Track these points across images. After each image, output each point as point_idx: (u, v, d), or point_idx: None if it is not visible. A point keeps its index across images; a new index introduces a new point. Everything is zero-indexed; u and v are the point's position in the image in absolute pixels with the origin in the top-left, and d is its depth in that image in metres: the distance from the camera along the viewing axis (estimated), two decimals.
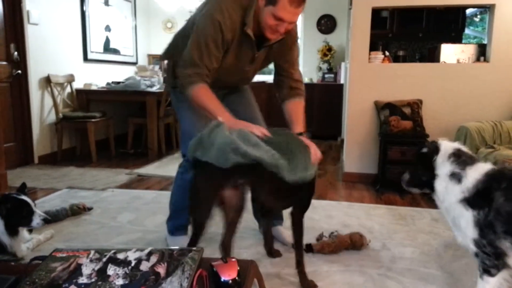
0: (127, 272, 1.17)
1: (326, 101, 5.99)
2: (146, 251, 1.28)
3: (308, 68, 6.38)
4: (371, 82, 3.58)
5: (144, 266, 1.19)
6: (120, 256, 1.25)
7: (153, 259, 1.23)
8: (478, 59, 3.87)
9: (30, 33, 4.10)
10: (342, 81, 5.84)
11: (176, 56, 1.94)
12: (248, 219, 2.34)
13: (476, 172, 1.51)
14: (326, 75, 6.19)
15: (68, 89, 4.67)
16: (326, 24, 6.37)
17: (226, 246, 1.80)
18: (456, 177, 1.53)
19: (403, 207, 2.97)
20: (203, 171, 1.57)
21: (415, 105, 3.40)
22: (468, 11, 5.98)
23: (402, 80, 3.54)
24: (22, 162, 4.13)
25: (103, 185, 3.44)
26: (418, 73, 3.52)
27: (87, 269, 1.19)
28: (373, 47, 3.70)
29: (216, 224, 2.47)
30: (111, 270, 1.18)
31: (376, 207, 2.99)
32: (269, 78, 4.93)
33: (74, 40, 4.82)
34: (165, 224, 2.29)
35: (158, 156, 4.64)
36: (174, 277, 1.14)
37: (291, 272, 1.95)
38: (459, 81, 3.46)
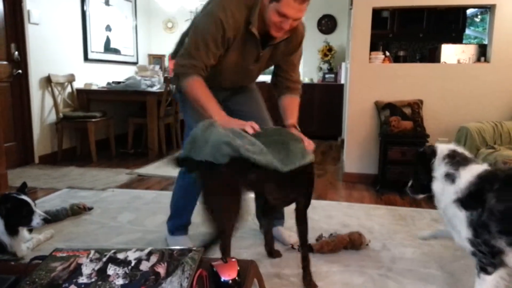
0: (127, 272, 1.17)
1: (326, 101, 5.99)
2: (146, 251, 1.28)
3: (309, 68, 6.39)
4: (372, 82, 3.58)
5: (144, 266, 1.19)
6: (120, 256, 1.25)
7: (153, 259, 1.23)
8: (478, 60, 3.86)
9: (31, 32, 4.10)
10: (342, 81, 5.84)
11: None
12: (248, 220, 2.34)
13: (469, 174, 1.54)
14: (327, 75, 6.19)
15: (68, 89, 4.67)
16: (327, 24, 6.37)
17: (225, 248, 1.80)
18: (450, 177, 1.57)
19: (403, 208, 2.97)
20: (213, 173, 1.53)
21: (416, 106, 3.39)
22: (469, 11, 5.98)
23: (403, 80, 3.54)
24: (22, 162, 4.14)
25: (103, 185, 3.44)
26: (418, 74, 3.52)
27: (87, 269, 1.19)
28: (373, 47, 3.70)
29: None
30: (111, 270, 1.18)
31: (376, 208, 2.99)
32: (269, 78, 4.92)
33: (75, 40, 4.82)
34: (165, 224, 2.29)
35: (158, 156, 4.64)
36: (174, 277, 1.14)
37: (291, 272, 1.95)
38: (460, 81, 3.46)
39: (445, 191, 1.59)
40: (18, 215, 1.98)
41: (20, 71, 4.06)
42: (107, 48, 5.47)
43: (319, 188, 3.50)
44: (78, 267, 1.21)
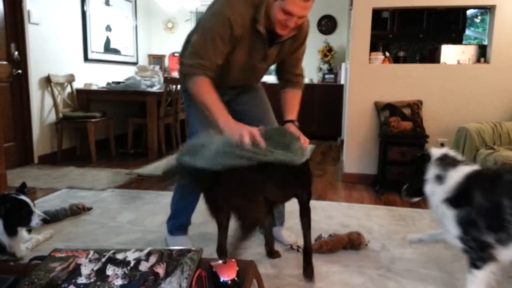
0: (126, 272, 1.17)
1: (326, 101, 5.99)
2: (145, 251, 1.28)
3: (308, 68, 6.38)
4: (371, 82, 3.58)
5: (143, 267, 1.20)
6: (119, 256, 1.25)
7: (152, 259, 1.23)
8: (478, 60, 3.86)
9: (31, 33, 4.10)
10: (342, 82, 5.84)
11: None
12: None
13: (458, 174, 1.62)
14: (327, 76, 6.19)
15: (68, 89, 4.67)
16: (327, 24, 6.37)
17: (222, 249, 1.81)
18: (440, 178, 1.66)
19: (403, 208, 2.97)
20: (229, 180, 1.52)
21: (415, 106, 3.40)
22: (469, 12, 5.98)
23: (402, 81, 3.54)
24: (22, 162, 4.14)
25: (103, 185, 3.44)
26: (418, 74, 3.52)
27: (86, 269, 1.19)
28: (373, 48, 3.70)
29: (214, 224, 2.47)
30: (110, 270, 1.18)
31: (376, 208, 2.98)
32: (269, 79, 4.92)
33: (75, 40, 4.82)
34: (165, 224, 2.29)
35: (158, 156, 4.64)
36: (173, 278, 1.14)
37: (291, 272, 1.95)
38: (460, 82, 3.46)
39: (435, 192, 1.67)
40: (17, 216, 1.98)
41: (20, 71, 4.06)
42: (107, 48, 5.47)
43: (319, 188, 3.50)
44: (77, 267, 1.21)
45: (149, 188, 3.45)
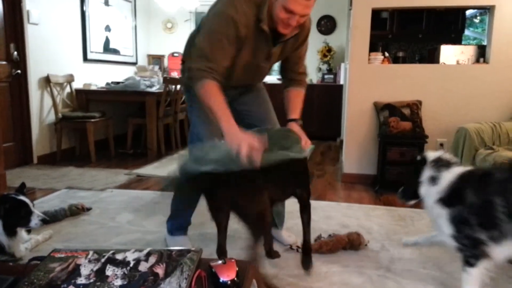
0: (126, 272, 1.17)
1: (325, 101, 5.99)
2: (145, 251, 1.28)
3: (308, 68, 6.35)
4: (371, 83, 3.58)
5: (143, 267, 1.19)
6: (119, 256, 1.25)
7: (152, 259, 1.23)
8: (477, 60, 3.87)
9: (30, 33, 4.10)
10: (341, 82, 5.84)
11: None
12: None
13: (450, 174, 1.68)
14: (326, 76, 6.19)
15: (67, 89, 4.67)
16: (326, 25, 6.37)
17: (222, 250, 1.82)
18: (433, 180, 1.71)
19: (402, 208, 2.97)
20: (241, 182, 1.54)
21: (415, 106, 3.40)
22: (468, 12, 5.98)
23: (402, 81, 3.54)
24: (21, 162, 4.13)
25: (102, 186, 3.44)
26: (417, 74, 3.52)
27: (85, 270, 1.19)
28: (372, 48, 3.70)
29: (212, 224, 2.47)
30: (109, 270, 1.18)
31: (375, 208, 2.99)
32: (269, 79, 4.92)
33: (74, 40, 4.82)
34: (164, 224, 2.29)
35: (157, 157, 4.64)
36: (173, 278, 1.14)
37: (290, 273, 1.95)
38: (459, 82, 3.47)
39: (429, 193, 1.72)
40: (17, 216, 1.98)
41: (19, 71, 4.05)
42: (107, 48, 5.47)
43: (318, 188, 3.50)
44: (77, 268, 1.20)
45: (148, 188, 3.45)
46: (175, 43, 6.71)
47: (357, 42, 3.57)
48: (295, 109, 1.99)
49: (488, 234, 1.56)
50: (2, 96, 3.91)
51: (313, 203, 2.94)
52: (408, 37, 5.88)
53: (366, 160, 3.69)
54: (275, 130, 1.86)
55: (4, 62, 3.92)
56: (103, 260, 1.23)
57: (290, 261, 2.08)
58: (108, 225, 2.59)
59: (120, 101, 5.10)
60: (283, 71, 2.10)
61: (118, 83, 4.93)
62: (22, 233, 2.08)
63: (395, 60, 5.45)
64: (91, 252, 1.28)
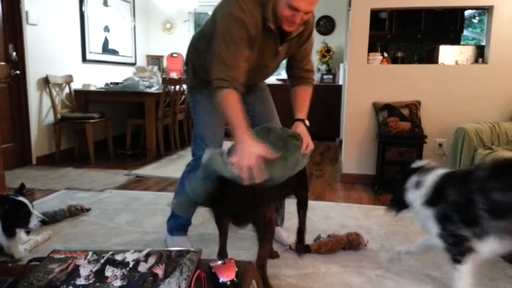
0: (125, 273, 1.17)
1: (324, 102, 5.99)
2: (144, 252, 1.27)
3: None
4: (370, 83, 3.59)
5: (142, 268, 1.19)
6: (118, 257, 1.25)
7: (151, 260, 1.23)
8: (476, 61, 3.87)
9: (29, 33, 4.10)
10: (340, 82, 5.85)
11: (197, 58, 1.98)
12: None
13: (433, 176, 1.77)
14: (325, 76, 6.20)
15: (66, 90, 4.67)
16: (325, 25, 6.37)
17: (223, 252, 1.83)
18: (418, 184, 1.79)
19: None
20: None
21: (414, 106, 3.40)
22: (467, 12, 5.99)
23: (401, 82, 3.54)
24: (20, 163, 4.13)
25: (101, 186, 3.44)
26: (416, 75, 3.53)
27: (85, 271, 1.19)
28: (371, 48, 3.71)
29: (213, 224, 2.47)
30: (109, 271, 1.18)
31: (375, 208, 2.99)
32: (269, 80, 4.92)
33: (73, 41, 4.82)
34: (164, 225, 2.29)
35: (157, 157, 4.64)
36: (172, 279, 1.14)
37: (289, 273, 1.95)
38: (458, 82, 3.47)
39: (416, 197, 1.79)
40: (16, 217, 1.97)
41: (18, 72, 4.05)
42: (105, 49, 5.47)
43: (317, 189, 3.50)
44: (76, 268, 1.20)
45: (148, 189, 3.45)
46: (174, 43, 6.71)
47: (356, 43, 3.58)
48: (302, 108, 1.98)
49: (471, 230, 1.61)
50: (1, 97, 3.91)
51: (312, 203, 2.95)
52: (407, 38, 5.88)
53: (365, 160, 3.69)
54: (277, 133, 1.84)
55: (3, 63, 3.92)
56: (102, 261, 1.23)
57: (289, 261, 2.08)
58: (107, 226, 2.58)
59: (119, 101, 5.10)
60: (289, 69, 2.10)
61: (117, 83, 4.93)
62: (21, 234, 2.08)
63: (394, 60, 5.45)
64: (90, 253, 1.28)
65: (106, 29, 5.47)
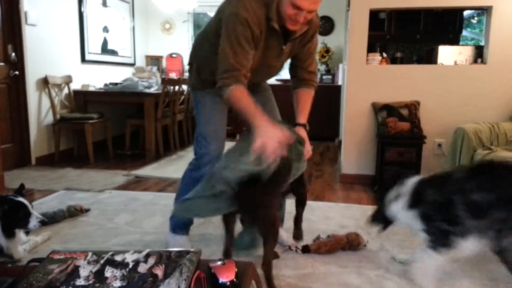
0: (125, 274, 1.17)
1: (323, 102, 5.98)
2: (144, 253, 1.27)
3: None
4: (369, 83, 3.59)
5: (142, 268, 1.19)
6: (118, 258, 1.25)
7: (151, 261, 1.23)
8: (475, 61, 3.87)
9: (28, 34, 4.09)
10: (340, 83, 5.85)
11: (200, 59, 1.98)
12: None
13: (412, 181, 1.84)
14: (324, 77, 6.20)
15: (65, 90, 4.66)
16: (324, 25, 6.37)
17: (228, 252, 1.83)
18: (399, 195, 1.85)
19: None
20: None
21: (413, 107, 3.41)
22: (466, 13, 6.00)
23: (400, 82, 3.55)
24: (19, 163, 4.12)
25: (101, 187, 3.44)
26: (415, 75, 3.53)
27: (84, 271, 1.19)
28: (370, 49, 3.71)
29: (213, 225, 2.48)
30: (108, 272, 1.18)
31: (374, 208, 2.98)
32: (269, 80, 4.92)
33: (72, 41, 4.81)
34: (163, 225, 2.29)
35: (156, 158, 4.63)
36: (172, 279, 1.14)
37: (289, 273, 1.95)
38: (457, 82, 3.47)
39: (398, 207, 1.84)
40: (15, 217, 1.97)
41: (17, 72, 4.05)
42: (105, 49, 5.46)
43: (316, 189, 3.50)
44: (76, 269, 1.20)
45: (147, 189, 3.45)
46: (173, 44, 6.71)
47: (355, 43, 3.58)
48: (303, 112, 2.00)
49: (453, 229, 1.67)
50: (0, 98, 3.90)
51: (312, 203, 2.95)
52: (406, 38, 5.89)
53: (364, 160, 3.69)
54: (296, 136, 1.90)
55: (2, 63, 3.91)
56: (102, 261, 1.23)
57: (289, 261, 2.08)
58: (106, 226, 2.58)
59: (118, 102, 5.09)
60: (292, 70, 2.10)
61: (116, 84, 4.93)
62: (20, 234, 2.08)
63: (393, 60, 5.46)
64: (90, 254, 1.28)
65: (105, 29, 5.46)
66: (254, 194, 1.60)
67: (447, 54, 4.24)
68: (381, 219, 1.98)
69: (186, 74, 6.43)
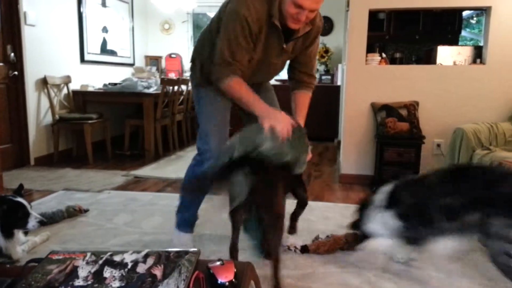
0: (124, 274, 1.17)
1: (323, 102, 5.99)
2: (143, 253, 1.27)
3: None
4: (368, 84, 3.59)
5: (141, 268, 1.19)
6: (117, 258, 1.25)
7: (150, 261, 1.23)
8: (474, 61, 3.88)
9: (27, 34, 4.09)
10: (339, 83, 5.85)
11: (203, 56, 1.99)
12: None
13: (386, 187, 1.89)
14: (323, 77, 6.20)
15: (64, 91, 4.66)
16: (323, 26, 6.34)
17: (234, 248, 1.84)
18: (375, 200, 1.90)
19: None
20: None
21: (412, 107, 3.41)
22: (465, 13, 6.01)
23: (399, 82, 3.55)
24: (18, 163, 4.12)
25: (100, 187, 3.43)
26: (414, 75, 3.53)
27: (83, 272, 1.19)
28: (370, 49, 3.71)
29: (212, 225, 2.48)
30: (107, 272, 1.18)
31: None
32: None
33: (71, 42, 4.81)
34: (162, 225, 2.29)
35: (155, 158, 4.63)
36: (171, 279, 1.14)
37: (288, 274, 1.95)
38: (456, 83, 3.48)
39: (376, 219, 1.88)
40: (14, 218, 1.97)
41: (16, 72, 4.04)
42: (104, 50, 5.46)
43: (316, 189, 3.51)
44: (75, 269, 1.20)
45: (146, 189, 3.44)
46: (172, 44, 6.71)
47: (354, 43, 3.58)
48: (301, 114, 2.03)
49: (426, 231, 1.73)
50: None
51: (311, 203, 2.95)
52: (405, 38, 5.90)
53: (363, 160, 3.69)
54: (298, 129, 1.91)
55: (1, 64, 3.91)
56: (101, 262, 1.23)
57: (288, 262, 2.08)
58: (105, 227, 2.58)
59: (117, 102, 5.09)
60: (291, 72, 2.11)
61: (115, 84, 4.92)
62: (19, 234, 2.07)
63: (392, 61, 5.46)
64: (88, 254, 1.28)
65: (105, 29, 5.46)
66: (266, 180, 1.64)
67: (446, 54, 4.24)
68: (360, 229, 2.01)
69: (185, 75, 6.44)
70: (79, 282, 1.14)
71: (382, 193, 1.88)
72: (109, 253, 1.28)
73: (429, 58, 4.79)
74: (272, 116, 1.74)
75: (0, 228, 1.93)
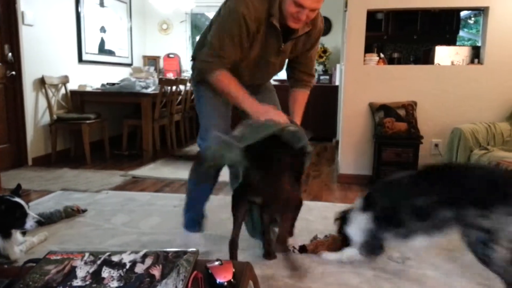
0: (122, 274, 1.17)
1: (321, 102, 5.99)
2: (141, 253, 1.27)
3: None
4: (366, 84, 3.59)
5: (139, 269, 1.19)
6: (115, 258, 1.25)
7: (148, 261, 1.23)
8: (472, 61, 3.89)
9: (25, 34, 4.08)
10: (337, 83, 5.85)
11: None
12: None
13: (362, 195, 1.98)
14: (321, 77, 6.21)
15: (62, 91, 4.65)
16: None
17: (235, 244, 1.83)
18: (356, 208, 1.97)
19: None
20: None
21: (410, 107, 3.41)
22: (463, 13, 6.02)
23: (397, 82, 3.55)
24: (15, 163, 4.11)
25: (98, 187, 3.43)
26: (412, 75, 3.54)
27: (81, 272, 1.18)
28: (368, 49, 3.71)
29: (212, 224, 2.47)
30: (105, 272, 1.18)
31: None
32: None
33: (69, 41, 4.80)
34: (161, 226, 2.28)
35: (153, 158, 4.62)
36: (169, 280, 1.13)
37: (287, 274, 1.95)
38: (454, 83, 3.48)
39: (354, 225, 1.94)
40: (12, 218, 1.96)
41: (13, 72, 4.03)
42: (102, 50, 5.45)
43: (314, 189, 3.51)
44: (73, 270, 1.20)
45: (144, 189, 3.44)
46: (170, 44, 6.70)
47: (352, 43, 3.59)
48: (298, 112, 2.05)
49: (397, 231, 1.79)
50: None
51: (309, 203, 2.95)
52: (403, 38, 5.91)
53: (361, 160, 3.69)
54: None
55: None
56: (99, 262, 1.23)
57: (286, 262, 2.08)
58: (103, 227, 2.57)
59: (115, 102, 5.08)
60: (291, 71, 2.12)
61: (113, 84, 4.91)
62: (17, 235, 2.07)
63: (390, 61, 5.47)
64: (87, 254, 1.28)
65: (102, 29, 5.45)
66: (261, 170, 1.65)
67: (444, 54, 4.25)
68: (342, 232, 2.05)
69: (184, 75, 6.43)
70: (77, 282, 1.14)
71: (359, 200, 1.96)
72: (107, 253, 1.27)
73: (427, 58, 4.80)
74: (264, 111, 1.76)
75: None
